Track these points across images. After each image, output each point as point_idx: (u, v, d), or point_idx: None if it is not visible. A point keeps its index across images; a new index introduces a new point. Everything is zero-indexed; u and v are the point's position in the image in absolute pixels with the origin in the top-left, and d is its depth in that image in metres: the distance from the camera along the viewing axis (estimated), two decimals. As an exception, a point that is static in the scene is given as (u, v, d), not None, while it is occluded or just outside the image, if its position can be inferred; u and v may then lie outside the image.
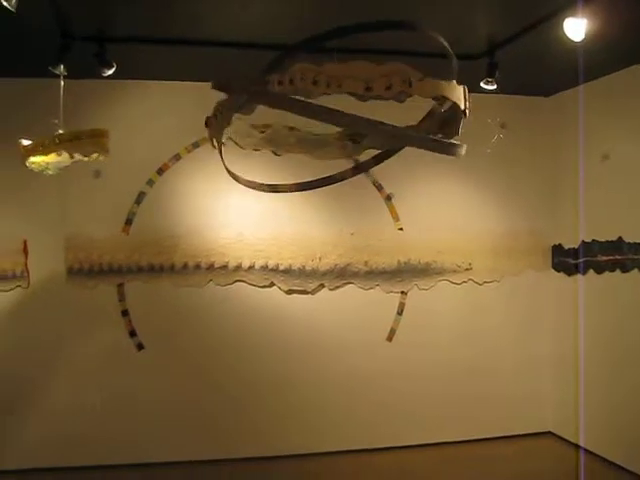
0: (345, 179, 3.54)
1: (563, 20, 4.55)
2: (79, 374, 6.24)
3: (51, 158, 4.64)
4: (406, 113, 3.52)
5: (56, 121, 4.83)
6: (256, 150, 3.92)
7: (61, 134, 4.57)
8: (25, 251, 6.18)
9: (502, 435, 6.90)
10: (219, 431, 6.43)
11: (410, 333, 6.74)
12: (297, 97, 3.02)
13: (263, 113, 3.27)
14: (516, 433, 6.96)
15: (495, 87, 5.75)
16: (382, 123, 3.36)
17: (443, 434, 6.79)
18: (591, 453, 6.39)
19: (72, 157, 4.62)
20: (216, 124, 3.22)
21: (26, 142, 4.55)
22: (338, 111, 2.99)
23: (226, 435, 6.44)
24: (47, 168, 4.74)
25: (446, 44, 2.97)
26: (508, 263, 7.02)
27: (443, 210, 6.87)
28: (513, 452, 6.62)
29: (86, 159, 4.67)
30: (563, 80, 6.53)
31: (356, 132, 3.68)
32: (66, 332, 6.22)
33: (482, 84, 5.73)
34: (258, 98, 3.05)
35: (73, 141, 4.53)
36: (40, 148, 4.52)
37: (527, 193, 7.08)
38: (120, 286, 6.32)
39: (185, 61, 5.82)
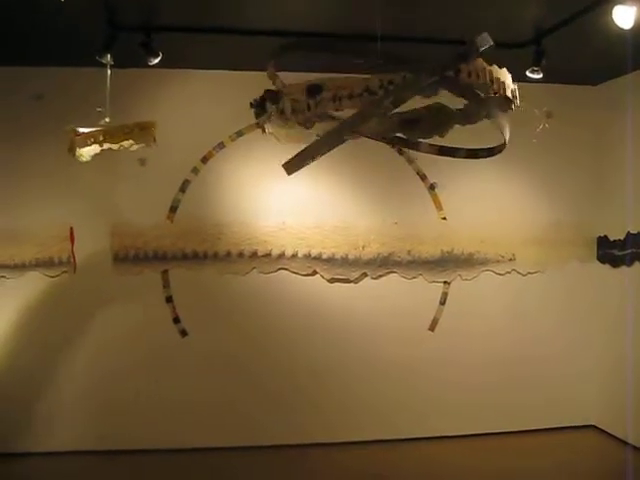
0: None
1: (612, 7, 4.48)
2: (123, 359, 6.31)
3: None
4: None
5: (100, 109, 4.87)
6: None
7: (112, 128, 4.63)
8: (71, 238, 6.26)
9: (544, 427, 6.83)
10: (261, 418, 6.46)
11: (453, 323, 6.71)
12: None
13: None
14: (558, 425, 6.88)
15: (541, 76, 5.68)
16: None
17: (485, 425, 6.74)
18: (638, 449, 6.28)
19: (102, 145, 4.66)
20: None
21: (81, 129, 4.60)
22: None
23: (266, 422, 6.47)
24: (81, 155, 4.78)
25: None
26: (552, 254, 6.93)
27: (487, 200, 6.81)
28: (555, 445, 6.54)
29: (116, 147, 4.71)
30: (611, 68, 6.43)
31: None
32: (111, 317, 6.30)
33: (528, 73, 5.66)
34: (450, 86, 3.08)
35: (123, 134, 4.60)
36: (90, 140, 4.58)
37: (572, 183, 6.98)
38: (164, 273, 6.39)
39: (230, 50, 5.85)
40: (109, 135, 4.59)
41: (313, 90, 2.82)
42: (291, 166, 3.40)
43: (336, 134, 3.24)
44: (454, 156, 3.19)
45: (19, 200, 6.27)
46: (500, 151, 3.20)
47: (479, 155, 3.22)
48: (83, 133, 4.59)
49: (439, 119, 3.62)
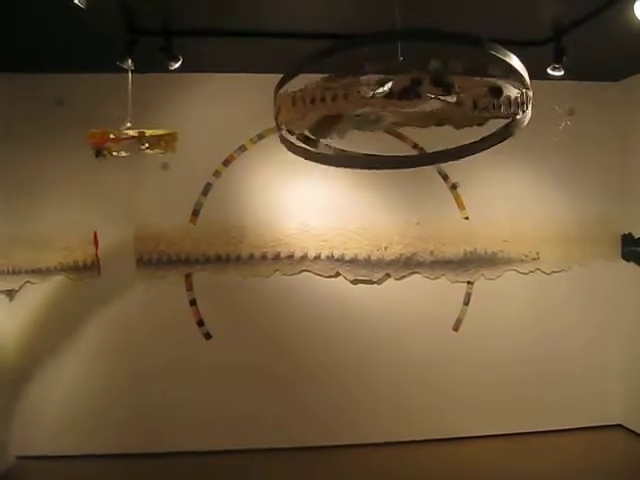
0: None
1: (633, 2, 4.44)
2: (148, 362, 6.35)
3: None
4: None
5: (125, 117, 4.89)
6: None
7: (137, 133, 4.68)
8: (95, 242, 6.31)
9: (569, 427, 6.78)
10: (283, 420, 6.47)
11: (477, 323, 6.68)
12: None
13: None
14: (584, 425, 6.82)
15: (562, 73, 5.65)
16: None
17: (510, 426, 6.70)
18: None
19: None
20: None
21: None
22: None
23: (289, 424, 6.48)
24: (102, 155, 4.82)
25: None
26: (576, 252, 6.88)
27: (509, 199, 6.77)
28: (582, 445, 6.49)
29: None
30: (633, 64, 6.37)
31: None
32: (136, 321, 6.34)
33: (549, 70, 5.63)
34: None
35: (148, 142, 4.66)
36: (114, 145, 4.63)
37: (595, 180, 6.93)
38: (188, 276, 6.42)
39: (250, 53, 5.86)
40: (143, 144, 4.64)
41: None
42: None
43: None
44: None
45: (43, 205, 6.33)
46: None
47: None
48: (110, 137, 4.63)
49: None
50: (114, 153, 4.78)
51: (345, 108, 2.89)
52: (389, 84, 2.68)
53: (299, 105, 2.90)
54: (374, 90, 2.70)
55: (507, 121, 3.07)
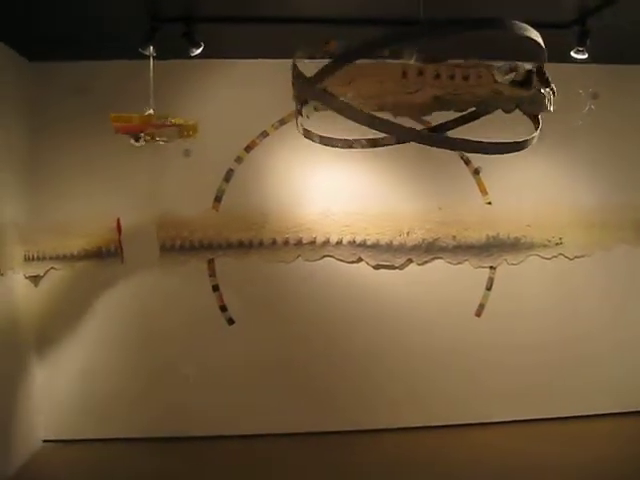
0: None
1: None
2: (171, 348, 6.40)
3: None
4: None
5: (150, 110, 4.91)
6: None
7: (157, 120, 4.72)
8: (119, 229, 6.35)
9: (596, 413, 6.73)
10: (304, 405, 6.50)
11: (499, 308, 6.65)
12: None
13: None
14: (610, 411, 6.76)
15: (586, 56, 5.60)
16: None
17: (534, 411, 6.67)
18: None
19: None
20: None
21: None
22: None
23: (311, 409, 6.51)
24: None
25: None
26: (599, 237, 6.82)
27: (532, 183, 6.72)
28: (608, 431, 6.45)
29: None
30: (658, 46, 6.31)
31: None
32: (159, 307, 6.39)
33: (573, 53, 5.59)
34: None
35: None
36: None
37: (620, 165, 6.85)
38: (210, 262, 6.45)
39: (271, 38, 5.85)
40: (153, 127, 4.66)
41: None
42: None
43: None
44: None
45: (66, 193, 6.38)
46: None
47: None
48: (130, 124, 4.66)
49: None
50: (157, 138, 4.83)
51: (471, 88, 2.94)
52: (512, 74, 2.85)
53: (411, 78, 2.92)
54: (505, 76, 2.84)
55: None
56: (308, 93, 3.17)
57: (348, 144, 3.83)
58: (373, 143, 3.89)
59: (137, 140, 4.80)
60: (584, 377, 6.73)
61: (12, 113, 5.97)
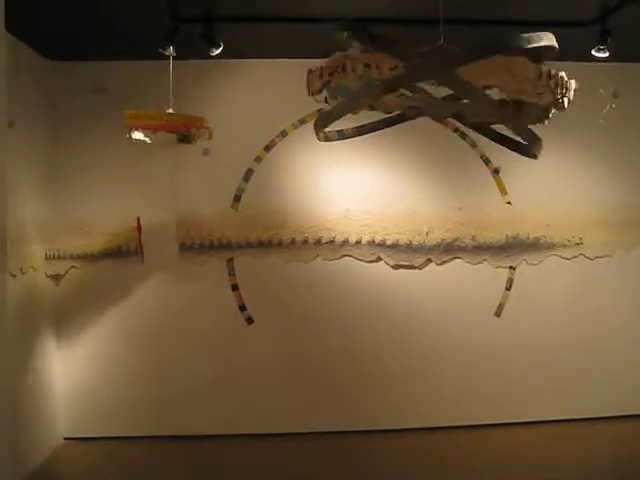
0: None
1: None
2: (191, 347, 6.43)
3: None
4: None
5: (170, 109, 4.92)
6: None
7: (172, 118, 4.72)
8: (139, 228, 6.38)
9: (616, 415, 6.67)
10: (323, 404, 6.51)
11: (519, 309, 6.62)
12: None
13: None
14: (630, 413, 6.72)
15: (607, 55, 5.56)
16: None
17: (554, 412, 6.64)
18: None
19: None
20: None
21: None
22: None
23: (330, 408, 6.51)
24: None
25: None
26: (620, 237, 6.77)
27: (552, 183, 6.68)
28: (629, 433, 6.41)
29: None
30: (680, 45, 6.26)
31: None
32: (178, 306, 6.41)
33: (593, 52, 5.55)
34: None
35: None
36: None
37: (640, 164, 6.83)
38: (230, 261, 6.46)
39: (290, 38, 5.86)
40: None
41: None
42: (322, 121, 3.47)
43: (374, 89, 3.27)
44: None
45: (87, 192, 6.41)
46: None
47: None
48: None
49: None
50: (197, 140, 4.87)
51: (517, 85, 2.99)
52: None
53: (544, 80, 2.96)
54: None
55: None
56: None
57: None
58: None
59: (183, 140, 4.86)
60: (604, 377, 6.68)
61: (33, 112, 6.01)
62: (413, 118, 3.68)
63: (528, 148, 3.44)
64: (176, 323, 6.41)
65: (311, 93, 3.35)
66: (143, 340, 6.43)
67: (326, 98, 3.52)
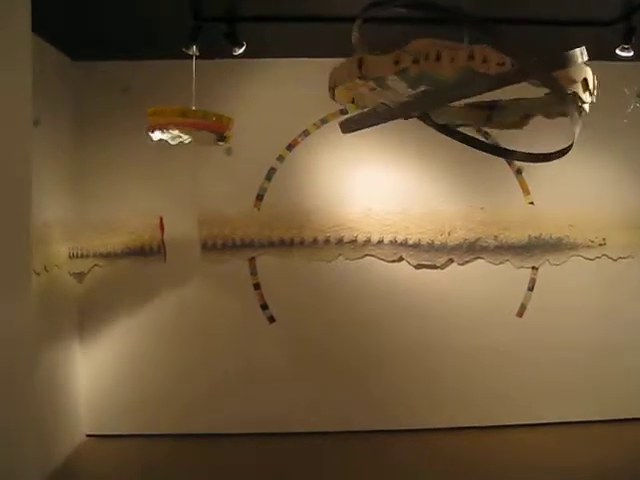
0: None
1: None
2: (213, 346, 6.46)
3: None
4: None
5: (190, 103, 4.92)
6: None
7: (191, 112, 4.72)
8: (161, 227, 6.41)
9: (637, 417, 6.65)
10: (345, 403, 6.52)
11: (541, 309, 6.59)
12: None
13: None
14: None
15: (631, 54, 5.52)
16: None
17: (577, 412, 6.60)
18: None
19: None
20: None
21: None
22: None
23: (352, 408, 6.52)
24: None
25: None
26: (644, 238, 6.74)
27: (575, 183, 6.64)
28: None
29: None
30: None
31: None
32: (201, 304, 6.45)
33: (618, 51, 5.51)
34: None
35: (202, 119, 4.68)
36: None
37: (665, 164, 6.77)
38: (252, 260, 6.48)
39: (313, 37, 5.86)
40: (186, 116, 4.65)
41: None
42: (348, 126, 3.42)
43: (404, 108, 3.23)
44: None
45: (110, 191, 6.46)
46: (563, 154, 3.20)
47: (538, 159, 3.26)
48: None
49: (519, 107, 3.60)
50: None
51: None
52: None
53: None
54: None
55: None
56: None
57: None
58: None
59: (222, 140, 4.87)
60: (629, 378, 6.63)
61: (57, 112, 6.05)
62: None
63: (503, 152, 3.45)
64: (198, 322, 6.44)
65: (335, 85, 3.20)
66: (165, 338, 6.46)
67: (353, 99, 3.50)
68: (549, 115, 3.61)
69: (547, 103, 3.42)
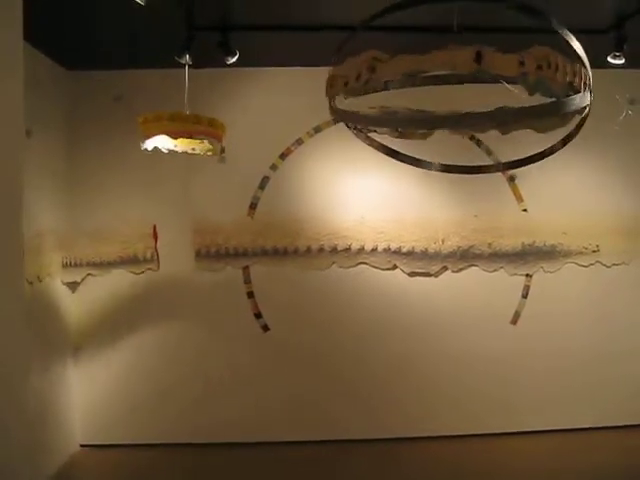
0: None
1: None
2: (205, 354, 6.45)
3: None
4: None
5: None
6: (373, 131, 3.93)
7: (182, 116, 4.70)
8: (155, 235, 6.41)
9: (634, 423, 6.64)
10: (342, 413, 6.50)
11: (535, 317, 6.59)
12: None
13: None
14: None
15: (623, 61, 5.55)
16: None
17: (572, 420, 6.60)
18: None
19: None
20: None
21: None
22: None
23: (349, 417, 6.50)
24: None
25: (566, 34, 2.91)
26: (637, 245, 6.71)
27: (568, 190, 6.66)
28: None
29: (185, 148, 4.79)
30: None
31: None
32: (194, 313, 6.44)
33: (609, 59, 5.53)
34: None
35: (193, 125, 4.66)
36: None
37: (658, 171, 6.79)
38: (245, 269, 6.47)
39: (306, 46, 5.87)
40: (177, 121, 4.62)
41: None
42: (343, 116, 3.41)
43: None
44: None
45: (103, 199, 6.46)
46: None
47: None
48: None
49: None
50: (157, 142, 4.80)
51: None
52: None
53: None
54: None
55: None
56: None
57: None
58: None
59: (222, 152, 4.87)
60: (623, 385, 6.63)
61: (51, 121, 6.05)
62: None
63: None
64: (191, 330, 6.43)
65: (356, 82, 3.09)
66: (158, 347, 6.45)
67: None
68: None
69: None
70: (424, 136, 3.88)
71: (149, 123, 4.61)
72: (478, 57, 2.69)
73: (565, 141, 3.22)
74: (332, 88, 3.20)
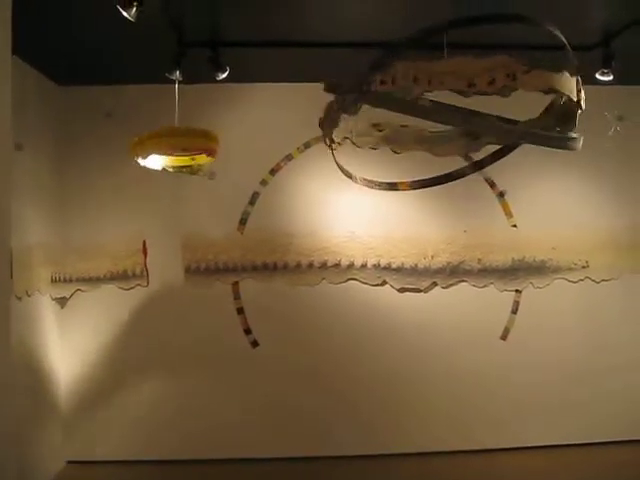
0: (464, 176, 3.55)
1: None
2: (196, 370, 6.42)
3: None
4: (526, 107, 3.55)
5: None
6: (373, 149, 3.96)
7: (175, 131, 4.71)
8: (144, 251, 6.41)
9: (623, 439, 6.63)
10: (331, 428, 6.46)
11: (525, 332, 6.59)
12: (402, 96, 3.04)
13: (381, 112, 3.34)
14: (636, 438, 6.67)
15: (611, 78, 5.58)
16: (499, 119, 3.35)
17: (562, 435, 6.59)
18: None
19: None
20: (326, 124, 3.27)
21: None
22: (446, 107, 3.00)
23: (338, 432, 6.45)
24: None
25: (559, 34, 2.93)
26: (627, 260, 6.74)
27: (558, 206, 6.68)
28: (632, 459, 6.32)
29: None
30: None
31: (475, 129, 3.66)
32: (183, 329, 6.41)
33: (597, 75, 5.57)
34: (365, 98, 3.06)
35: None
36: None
37: (646, 187, 6.82)
38: (235, 284, 6.47)
39: (296, 62, 5.90)
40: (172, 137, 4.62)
41: None
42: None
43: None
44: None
45: (93, 215, 6.45)
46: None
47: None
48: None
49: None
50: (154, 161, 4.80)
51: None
52: None
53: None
54: None
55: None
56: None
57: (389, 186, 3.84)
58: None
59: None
60: (611, 402, 6.63)
61: (40, 136, 6.05)
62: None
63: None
64: (181, 346, 6.40)
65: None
66: (147, 363, 6.42)
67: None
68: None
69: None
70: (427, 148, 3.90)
71: (145, 142, 4.61)
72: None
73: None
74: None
